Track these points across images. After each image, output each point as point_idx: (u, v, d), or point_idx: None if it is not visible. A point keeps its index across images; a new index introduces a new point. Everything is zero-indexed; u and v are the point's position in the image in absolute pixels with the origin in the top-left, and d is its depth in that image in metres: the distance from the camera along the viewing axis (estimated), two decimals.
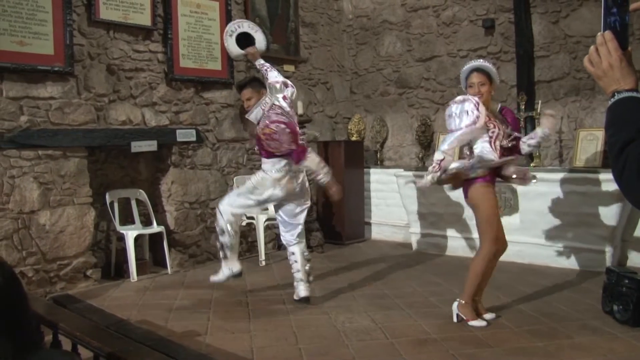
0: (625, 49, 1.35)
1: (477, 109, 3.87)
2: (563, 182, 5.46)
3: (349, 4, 8.09)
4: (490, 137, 3.96)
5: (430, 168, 3.99)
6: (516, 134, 4.18)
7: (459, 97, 4.04)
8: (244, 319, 4.24)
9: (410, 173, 6.61)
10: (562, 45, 6.19)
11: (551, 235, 5.58)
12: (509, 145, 4.07)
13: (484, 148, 3.93)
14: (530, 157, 6.11)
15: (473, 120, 3.84)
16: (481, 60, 4.30)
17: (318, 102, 7.65)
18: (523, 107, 6.17)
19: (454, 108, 3.98)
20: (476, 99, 3.92)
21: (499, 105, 4.37)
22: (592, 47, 1.38)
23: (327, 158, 7.15)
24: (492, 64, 4.26)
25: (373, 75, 7.93)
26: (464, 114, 3.88)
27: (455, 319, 4.06)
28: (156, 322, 4.15)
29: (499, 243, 4.02)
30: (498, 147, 3.99)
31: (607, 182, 5.15)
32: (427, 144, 7.23)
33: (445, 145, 3.94)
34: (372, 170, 7.45)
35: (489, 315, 4.12)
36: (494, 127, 3.97)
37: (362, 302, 4.59)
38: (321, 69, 7.71)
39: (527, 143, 4.16)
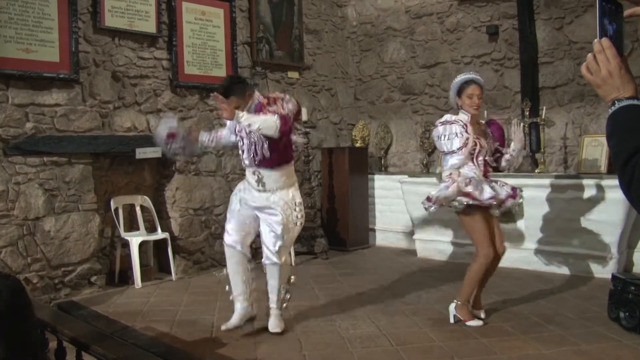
0: (622, 54, 1.34)
1: (466, 131, 4.00)
2: (568, 188, 5.44)
3: (353, 10, 8.10)
4: (472, 154, 4.05)
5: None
6: (501, 149, 4.26)
7: (444, 118, 4.17)
8: (249, 325, 4.23)
9: (414, 179, 6.60)
10: (567, 51, 6.20)
11: (556, 241, 5.56)
12: (493, 162, 4.21)
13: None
14: (535, 163, 6.10)
15: (464, 142, 3.98)
16: (472, 72, 4.31)
17: (322, 109, 7.66)
18: (527, 113, 6.16)
19: (441, 130, 4.10)
20: (463, 121, 4.03)
21: (487, 119, 4.38)
22: (589, 55, 1.35)
23: (332, 164, 7.17)
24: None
25: (377, 82, 7.93)
26: (454, 136, 3.99)
27: (452, 320, 4.12)
28: (160, 328, 4.15)
29: (493, 249, 4.07)
30: (481, 164, 4.09)
31: (612, 188, 5.13)
32: (431, 150, 7.22)
33: (450, 168, 4.09)
34: (376, 177, 7.45)
35: (481, 314, 4.23)
36: (476, 144, 4.05)
37: (367, 308, 4.58)
38: (325, 75, 7.72)
39: (503, 158, 4.26)
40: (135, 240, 5.37)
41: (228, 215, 4.19)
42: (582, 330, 3.96)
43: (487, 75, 6.71)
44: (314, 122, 7.29)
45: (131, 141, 5.41)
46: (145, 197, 5.75)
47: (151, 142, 5.51)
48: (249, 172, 4.07)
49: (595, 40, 1.34)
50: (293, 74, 7.16)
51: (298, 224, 4.09)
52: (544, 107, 6.14)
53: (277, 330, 3.99)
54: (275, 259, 3.97)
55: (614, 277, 4.20)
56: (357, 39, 8.12)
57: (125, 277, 5.51)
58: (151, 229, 5.73)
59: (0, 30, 4.58)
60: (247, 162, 4.01)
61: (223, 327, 4.00)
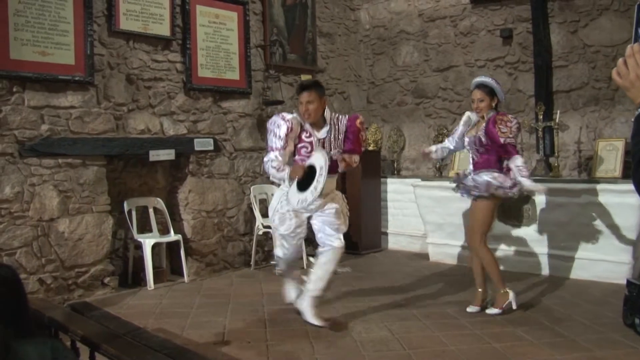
0: None
1: (462, 126, 4.59)
2: (582, 192, 5.40)
3: (366, 14, 8.11)
4: (469, 150, 4.56)
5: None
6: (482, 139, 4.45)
7: None
8: (261, 328, 4.23)
9: (427, 183, 6.58)
10: (581, 55, 6.15)
11: (570, 246, 5.52)
12: (479, 153, 4.46)
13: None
14: (548, 167, 6.06)
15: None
16: (482, 76, 4.59)
17: (335, 112, 7.65)
18: (541, 117, 6.13)
19: None
20: (467, 115, 4.57)
21: (490, 113, 4.40)
22: (620, 60, 1.38)
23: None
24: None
25: (390, 85, 7.93)
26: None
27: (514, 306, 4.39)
28: (173, 330, 4.16)
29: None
30: (473, 157, 4.50)
31: (627, 193, 5.08)
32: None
33: None
34: (389, 180, 7.43)
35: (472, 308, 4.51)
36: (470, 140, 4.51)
37: (379, 312, 4.57)
38: (338, 78, 7.73)
39: (515, 176, 4.41)
40: (148, 242, 5.40)
41: (282, 230, 4.19)
42: (596, 336, 3.92)
43: (500, 78, 6.67)
44: None
45: (145, 143, 5.44)
46: (158, 199, 5.78)
47: (165, 144, 5.57)
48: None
49: (629, 45, 1.37)
50: (306, 77, 7.16)
51: (348, 214, 4.44)
52: (558, 111, 6.10)
53: (321, 323, 4.13)
54: (340, 242, 4.18)
55: (628, 282, 4.16)
56: (370, 42, 8.12)
57: (137, 279, 5.54)
58: (164, 231, 5.75)
59: (17, 33, 4.63)
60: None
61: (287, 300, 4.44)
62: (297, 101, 4.15)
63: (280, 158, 3.99)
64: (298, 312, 4.34)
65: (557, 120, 6.03)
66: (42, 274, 4.78)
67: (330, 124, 4.18)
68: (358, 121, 4.27)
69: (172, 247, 5.80)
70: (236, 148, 6.32)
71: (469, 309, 4.49)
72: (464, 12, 7.11)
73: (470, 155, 4.57)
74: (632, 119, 1.41)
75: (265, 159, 4.10)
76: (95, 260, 5.14)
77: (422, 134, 7.63)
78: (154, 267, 5.44)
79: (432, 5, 7.42)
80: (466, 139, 4.55)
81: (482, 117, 4.44)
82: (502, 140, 4.29)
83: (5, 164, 4.60)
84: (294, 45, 6.96)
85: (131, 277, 5.59)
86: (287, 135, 3.99)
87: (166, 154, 5.58)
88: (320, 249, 4.22)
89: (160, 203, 5.76)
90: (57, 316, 2.72)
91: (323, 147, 4.10)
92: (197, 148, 5.86)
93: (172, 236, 5.66)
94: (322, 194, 4.00)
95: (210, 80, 6.02)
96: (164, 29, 5.63)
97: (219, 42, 6.11)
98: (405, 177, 7.44)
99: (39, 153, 4.77)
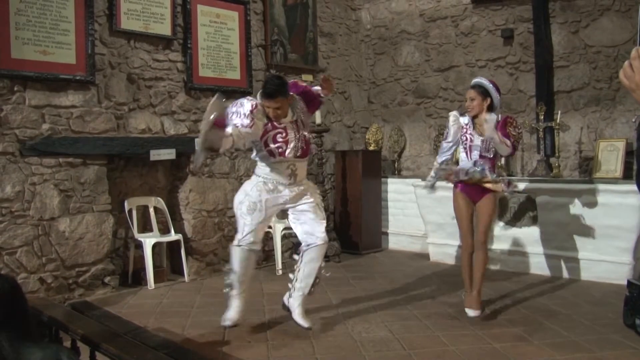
0: None
1: (455, 125, 4.52)
2: (583, 193, 5.40)
3: (367, 14, 8.10)
4: (465, 148, 4.49)
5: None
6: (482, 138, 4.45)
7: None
8: (261, 327, 4.24)
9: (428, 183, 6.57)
10: (582, 55, 6.15)
11: (570, 247, 5.52)
12: (489, 154, 4.44)
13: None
14: (549, 167, 6.06)
15: (447, 133, 4.59)
16: (480, 78, 4.61)
17: (336, 112, 7.66)
18: (542, 117, 6.13)
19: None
20: (454, 116, 4.54)
21: (498, 116, 4.42)
22: (626, 62, 1.40)
23: (345, 167, 7.17)
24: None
25: (391, 85, 7.92)
26: (446, 130, 4.64)
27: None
28: (173, 329, 4.16)
29: (465, 243, 4.46)
30: (475, 156, 4.43)
31: (628, 193, 5.08)
32: None
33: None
34: (389, 180, 7.42)
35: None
36: (467, 139, 4.45)
37: (380, 312, 4.57)
38: (339, 78, 7.72)
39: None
40: (148, 241, 5.40)
41: (249, 220, 3.99)
42: (596, 336, 3.92)
43: (501, 79, 6.68)
44: (327, 125, 7.28)
45: (145, 143, 5.44)
46: (159, 198, 5.78)
47: (165, 143, 5.56)
48: (281, 167, 3.98)
49: (635, 47, 1.39)
50: (307, 77, 7.17)
51: (322, 206, 4.31)
52: (559, 112, 6.10)
53: (310, 324, 4.08)
54: (323, 238, 4.06)
55: (629, 283, 4.16)
56: (371, 42, 8.12)
57: (138, 278, 5.54)
58: (164, 231, 5.75)
59: (18, 32, 4.64)
60: (288, 155, 3.93)
61: (228, 323, 4.04)
62: (263, 102, 3.88)
63: (241, 131, 3.70)
64: (288, 310, 4.22)
65: (558, 121, 6.03)
66: (42, 273, 4.78)
67: (293, 106, 4.02)
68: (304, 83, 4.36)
69: (173, 246, 5.80)
70: (237, 147, 6.31)
71: (471, 314, 4.38)
72: (465, 12, 7.11)
73: (469, 157, 4.46)
74: (633, 119, 1.43)
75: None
76: (96, 259, 5.14)
77: (422, 134, 7.63)
78: (154, 267, 5.44)
79: (433, 5, 7.42)
80: (476, 140, 4.41)
81: (475, 117, 4.42)
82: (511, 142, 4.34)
83: (6, 163, 4.60)
84: (294, 45, 6.96)
85: (131, 277, 5.59)
86: (252, 112, 3.76)
87: (167, 154, 5.58)
88: (303, 247, 4.11)
89: (160, 202, 5.76)
90: (58, 315, 2.72)
91: (297, 128, 3.98)
92: (197, 148, 5.85)
93: (173, 236, 5.66)
94: (297, 180, 4.04)
95: (211, 80, 6.02)
96: (165, 29, 5.63)
97: (219, 41, 6.11)
98: (406, 177, 7.43)
99: (39, 152, 4.77)
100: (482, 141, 4.38)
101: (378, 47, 8.04)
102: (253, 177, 4.16)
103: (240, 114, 3.77)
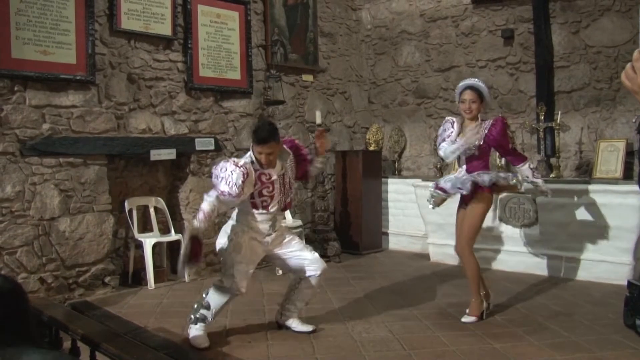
0: None
1: (452, 127, 4.41)
2: (583, 193, 5.40)
3: (368, 14, 8.10)
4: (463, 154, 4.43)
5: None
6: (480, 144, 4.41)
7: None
8: (261, 327, 4.24)
9: (428, 183, 6.57)
10: (583, 55, 6.14)
11: (571, 247, 5.51)
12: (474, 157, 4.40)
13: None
14: (549, 168, 6.06)
15: (447, 136, 4.40)
16: (474, 79, 4.56)
17: (336, 112, 7.67)
18: (542, 117, 6.12)
19: (440, 129, 4.55)
20: (454, 120, 4.44)
21: (489, 119, 4.48)
22: (629, 64, 1.40)
23: (345, 168, 7.17)
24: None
25: (391, 85, 7.92)
26: (443, 131, 4.47)
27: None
28: (173, 329, 4.16)
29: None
30: (463, 160, 4.47)
31: (628, 193, 5.09)
32: None
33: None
34: (389, 180, 7.43)
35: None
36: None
37: (380, 312, 4.57)
38: (339, 78, 7.73)
39: (524, 173, 4.52)
40: (148, 241, 5.40)
41: (238, 258, 3.88)
42: (596, 336, 3.92)
43: (502, 79, 6.69)
44: (328, 125, 7.29)
45: (146, 143, 5.44)
46: (159, 198, 5.78)
47: (166, 143, 5.56)
48: (262, 220, 3.92)
49: (637, 49, 1.39)
50: (307, 77, 7.17)
51: None
52: (559, 112, 6.09)
53: (313, 327, 4.15)
54: (324, 265, 4.06)
55: (629, 283, 4.16)
56: (372, 42, 8.11)
57: (138, 278, 5.54)
58: (165, 231, 5.76)
59: (19, 32, 4.64)
60: (271, 209, 3.91)
61: (206, 345, 3.85)
62: (255, 148, 3.83)
63: (226, 200, 3.71)
64: (284, 327, 4.19)
65: (558, 121, 6.02)
66: (42, 273, 4.78)
67: (282, 157, 4.00)
68: (297, 142, 4.24)
69: (173, 246, 5.79)
70: (237, 148, 6.32)
71: (463, 319, 4.32)
72: (465, 13, 7.11)
73: (462, 159, 4.48)
74: (633, 120, 1.43)
75: (206, 196, 3.80)
76: (96, 259, 5.14)
77: (423, 134, 7.63)
78: (154, 267, 5.44)
79: (434, 5, 7.42)
80: (474, 143, 4.32)
81: (474, 119, 4.38)
82: (510, 145, 4.34)
83: (6, 163, 4.61)
84: (295, 45, 6.96)
85: (132, 277, 5.59)
86: (243, 182, 3.66)
87: (167, 154, 5.58)
88: (302, 274, 4.06)
89: (161, 202, 5.76)
90: (58, 315, 2.72)
91: (283, 184, 3.96)
92: (198, 148, 5.86)
93: (173, 236, 5.65)
94: (276, 229, 3.98)
95: (211, 80, 6.03)
96: (165, 29, 5.63)
97: (220, 41, 6.11)
98: (406, 177, 7.43)
99: (40, 152, 4.77)
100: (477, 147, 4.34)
101: (378, 47, 8.04)
102: (231, 223, 4.06)
103: (230, 182, 3.66)
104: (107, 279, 5.22)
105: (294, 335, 4.03)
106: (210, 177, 5.97)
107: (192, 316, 3.94)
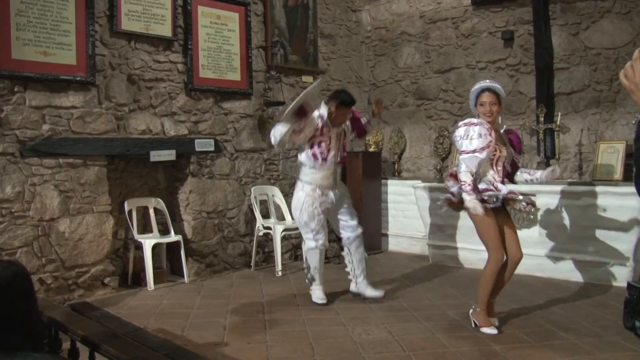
0: None
1: (490, 134, 4.02)
2: (583, 195, 5.40)
3: (368, 15, 8.11)
4: (492, 160, 4.11)
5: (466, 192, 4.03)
6: (518, 158, 4.34)
7: (468, 120, 4.18)
8: (261, 329, 4.23)
9: (428, 185, 6.58)
10: (583, 57, 6.15)
11: (571, 248, 5.51)
12: (509, 168, 4.25)
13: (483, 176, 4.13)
14: None
15: (487, 144, 4.00)
16: (488, 80, 4.33)
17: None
18: (542, 119, 6.13)
19: (463, 130, 4.11)
20: (488, 124, 4.06)
21: (504, 127, 4.43)
22: (628, 63, 1.41)
23: (345, 169, 7.15)
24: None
25: (391, 87, 7.93)
26: (477, 136, 4.01)
27: (473, 325, 4.15)
28: (173, 331, 4.16)
29: (500, 253, 4.05)
30: (500, 170, 4.15)
31: (628, 195, 5.08)
32: (445, 155, 7.21)
33: (466, 168, 4.03)
34: (389, 182, 7.43)
35: (495, 322, 4.19)
36: (496, 150, 4.10)
37: (379, 314, 4.57)
38: (339, 80, 7.73)
39: (523, 176, 4.36)
40: (148, 242, 5.40)
41: (314, 225, 4.69)
42: (596, 339, 3.91)
43: (502, 80, 6.68)
44: None
45: (146, 144, 5.44)
46: (159, 199, 5.78)
47: (166, 144, 5.57)
48: (327, 174, 4.70)
49: (638, 49, 1.40)
50: (307, 79, 7.17)
51: None
52: (559, 113, 6.10)
53: (382, 292, 4.92)
54: (361, 229, 4.94)
55: (629, 285, 4.15)
56: (372, 43, 8.12)
57: (138, 279, 5.54)
58: (164, 232, 5.76)
59: (19, 33, 4.64)
60: (330, 161, 4.68)
61: (324, 301, 4.77)
62: (336, 108, 4.63)
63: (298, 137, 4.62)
64: (359, 295, 4.92)
65: (558, 123, 6.03)
66: (42, 273, 4.78)
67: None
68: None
69: (173, 247, 5.80)
70: (237, 149, 6.32)
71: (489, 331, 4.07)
72: (466, 14, 7.11)
73: (496, 169, 4.15)
74: (633, 122, 1.44)
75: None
76: (96, 260, 5.14)
77: (423, 135, 7.63)
78: (154, 268, 5.44)
79: (434, 7, 7.42)
80: (503, 151, 4.14)
81: (494, 123, 4.14)
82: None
83: (6, 163, 4.61)
84: (295, 47, 6.97)
85: (131, 278, 5.59)
86: (305, 119, 4.50)
87: (167, 155, 5.58)
88: (345, 241, 4.87)
89: (160, 203, 5.76)
90: (57, 316, 2.72)
91: (339, 139, 4.76)
92: (198, 149, 5.87)
93: (173, 237, 5.65)
94: (337, 183, 4.81)
95: (211, 81, 6.03)
96: (165, 30, 5.64)
97: (220, 43, 6.11)
98: (406, 178, 7.44)
99: (40, 153, 4.77)
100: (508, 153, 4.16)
101: (378, 48, 8.05)
102: (300, 185, 4.78)
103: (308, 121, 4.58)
104: (106, 280, 5.22)
105: (293, 336, 4.03)
106: (210, 178, 6.02)
107: (306, 279, 4.92)
